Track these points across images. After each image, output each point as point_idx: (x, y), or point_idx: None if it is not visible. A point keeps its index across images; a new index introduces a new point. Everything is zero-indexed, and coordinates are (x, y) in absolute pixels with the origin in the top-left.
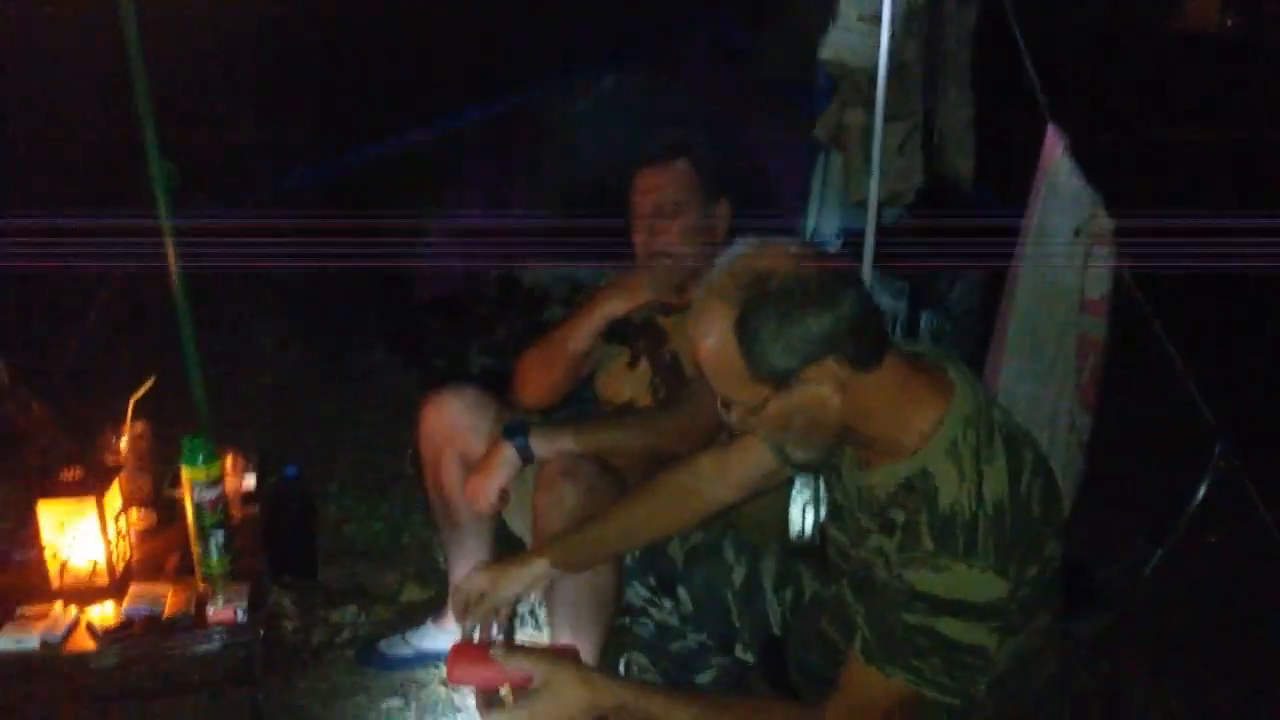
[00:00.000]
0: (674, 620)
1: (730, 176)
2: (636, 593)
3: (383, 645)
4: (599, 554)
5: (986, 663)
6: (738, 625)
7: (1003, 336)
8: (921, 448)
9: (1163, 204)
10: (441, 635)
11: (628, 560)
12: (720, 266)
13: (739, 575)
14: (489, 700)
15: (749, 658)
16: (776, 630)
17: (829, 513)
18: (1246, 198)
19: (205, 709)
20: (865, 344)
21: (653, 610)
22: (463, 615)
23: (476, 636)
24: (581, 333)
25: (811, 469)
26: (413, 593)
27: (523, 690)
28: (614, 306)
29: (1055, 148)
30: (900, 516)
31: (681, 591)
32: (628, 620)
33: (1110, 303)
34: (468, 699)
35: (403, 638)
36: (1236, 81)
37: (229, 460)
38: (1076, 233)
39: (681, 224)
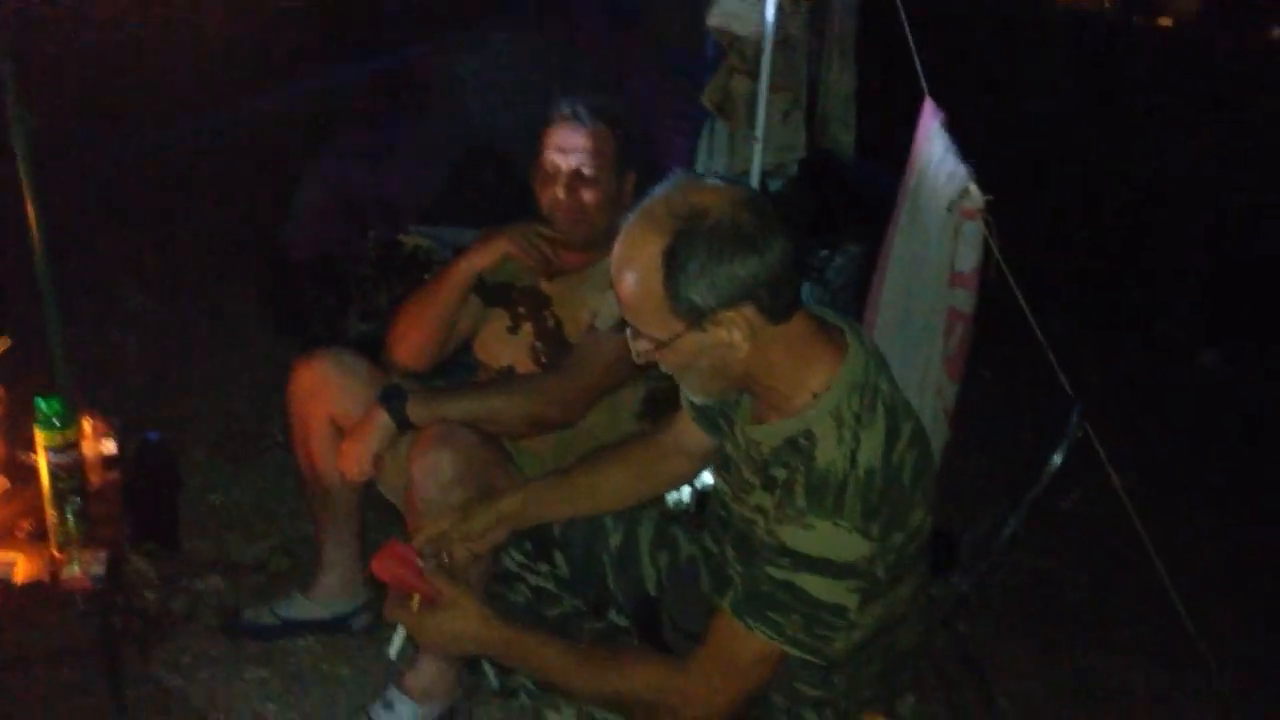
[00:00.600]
0: (549, 585)
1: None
2: (512, 558)
3: (248, 615)
4: (565, 509)
5: (846, 623)
6: (613, 589)
7: (875, 307)
8: (810, 408)
9: (1036, 177)
10: (310, 605)
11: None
12: (657, 195)
13: (616, 540)
14: (398, 602)
15: (623, 621)
16: (653, 592)
17: (718, 463)
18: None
19: (62, 680)
20: (782, 296)
21: (529, 575)
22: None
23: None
24: (448, 288)
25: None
26: (280, 563)
27: (429, 605)
28: (476, 260)
29: (931, 122)
30: (782, 474)
31: (558, 556)
32: (502, 588)
33: (979, 276)
34: (338, 669)
35: (269, 608)
36: (1116, 59)
37: (87, 424)
38: (949, 208)
39: (600, 189)
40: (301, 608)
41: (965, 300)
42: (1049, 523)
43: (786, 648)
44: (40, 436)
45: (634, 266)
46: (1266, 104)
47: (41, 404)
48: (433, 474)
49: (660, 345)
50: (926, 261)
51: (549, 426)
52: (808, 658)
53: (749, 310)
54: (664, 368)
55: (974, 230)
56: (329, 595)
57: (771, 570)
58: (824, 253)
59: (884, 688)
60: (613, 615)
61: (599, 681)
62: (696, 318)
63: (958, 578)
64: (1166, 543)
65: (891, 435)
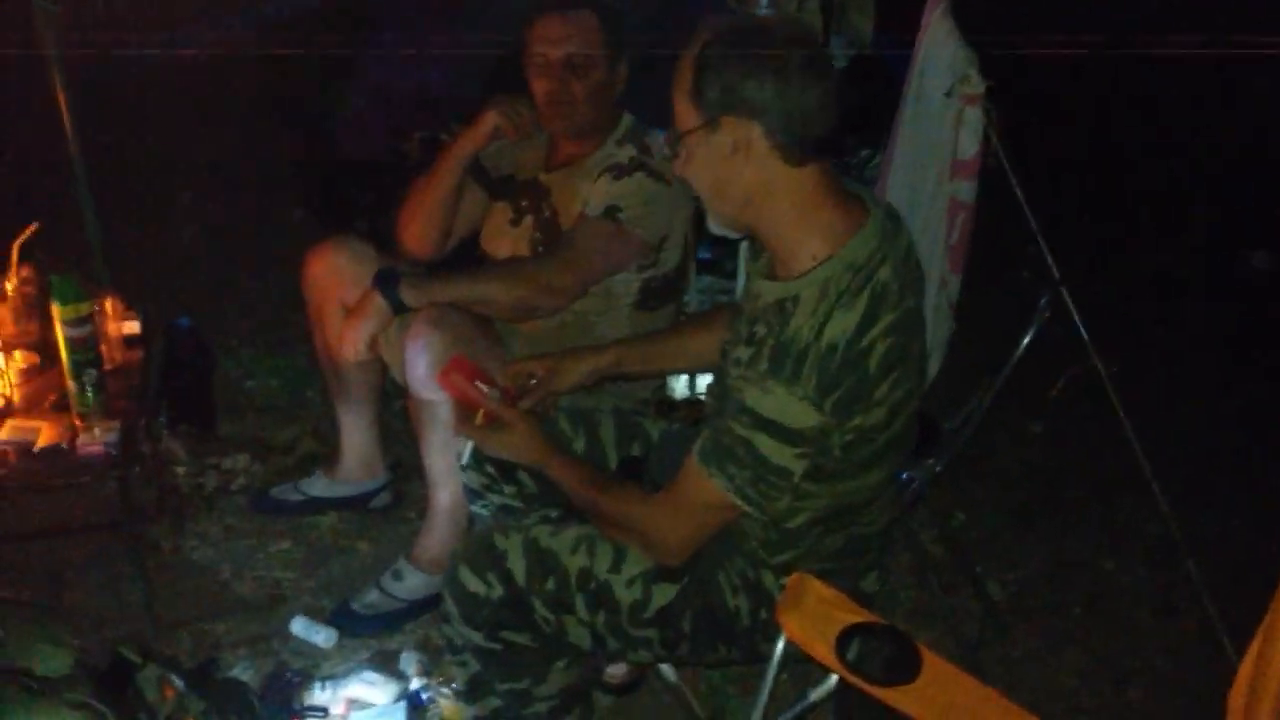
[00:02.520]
0: (517, 503)
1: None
2: (473, 479)
3: (275, 492)
4: (654, 366)
5: (789, 486)
6: None
7: (882, 198)
8: (805, 275)
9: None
10: (331, 484)
11: (463, 458)
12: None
13: (580, 445)
14: (463, 417)
15: None
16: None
17: (733, 314)
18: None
19: (90, 550)
20: (792, 133)
21: (492, 495)
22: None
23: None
24: (445, 170)
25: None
26: (309, 446)
27: (488, 421)
28: (469, 139)
29: (936, 4)
30: (761, 332)
31: (523, 475)
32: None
33: (979, 165)
34: (356, 542)
35: (294, 486)
36: None
37: (108, 304)
38: (949, 93)
39: (588, 78)
40: (324, 486)
41: (966, 190)
42: (1041, 412)
43: (734, 498)
44: (57, 311)
45: (687, 51)
46: None
47: (56, 280)
48: (423, 355)
49: (682, 137)
50: (929, 150)
51: (538, 311)
52: (752, 511)
53: (756, 130)
54: (693, 185)
55: (975, 117)
56: (350, 475)
57: (734, 425)
58: (865, 151)
59: (846, 563)
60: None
61: (593, 503)
62: (708, 115)
63: (933, 459)
64: (1158, 434)
65: (867, 320)
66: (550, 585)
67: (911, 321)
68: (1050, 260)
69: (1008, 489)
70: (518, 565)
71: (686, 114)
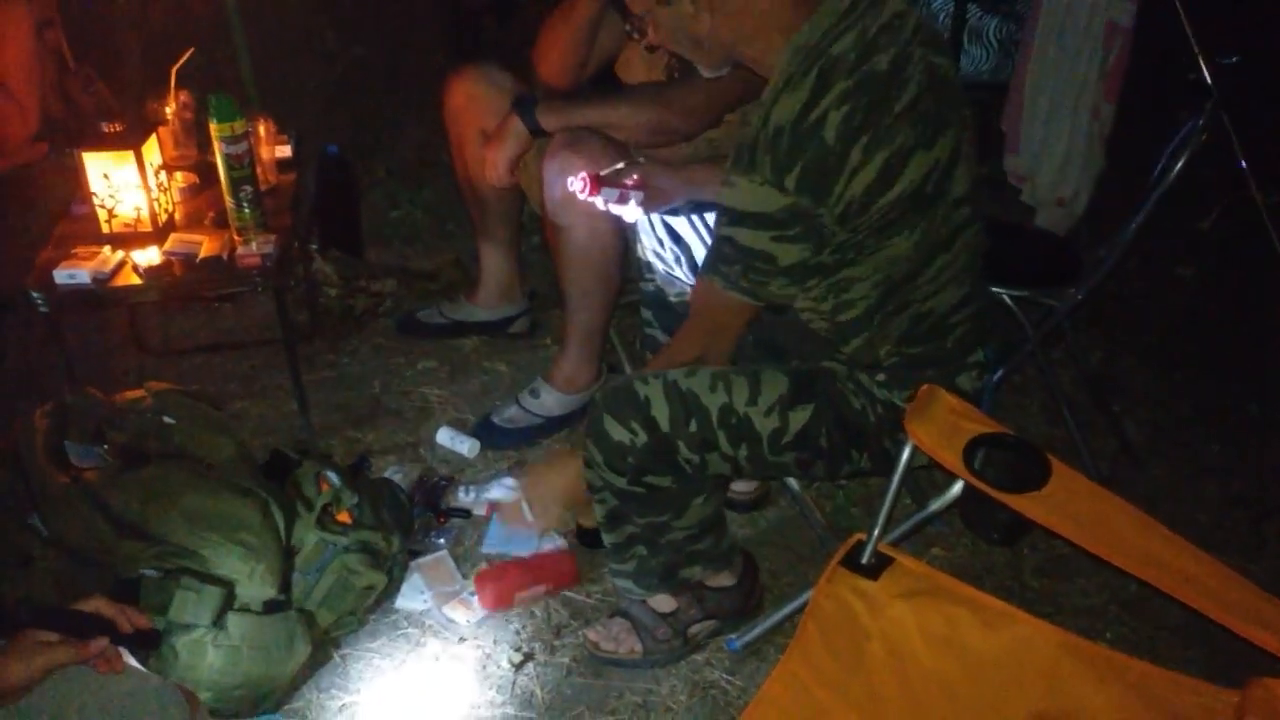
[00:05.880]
0: (677, 270)
1: None
2: (650, 238)
3: (420, 315)
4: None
5: (774, 269)
6: None
7: (1034, 21)
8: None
9: None
10: (473, 309)
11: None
12: None
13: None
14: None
15: None
16: None
17: None
18: None
19: (254, 363)
20: None
21: (658, 259)
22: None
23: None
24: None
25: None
26: (452, 274)
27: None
28: None
29: None
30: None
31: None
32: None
33: None
34: (496, 363)
35: (438, 310)
36: None
37: (261, 125)
38: None
39: None
40: (467, 311)
41: (1125, 13)
42: (1192, 256)
43: (734, 293)
44: (213, 129)
45: None
46: None
47: (213, 99)
48: (560, 176)
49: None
50: None
51: (672, 134)
52: (748, 300)
53: None
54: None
55: None
56: (490, 301)
57: (719, 229)
58: None
59: (926, 350)
60: None
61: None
62: None
63: (1074, 288)
64: None
65: (814, 95)
66: (693, 427)
67: (876, 83)
68: (1209, 80)
69: (1152, 331)
70: (661, 411)
71: None
